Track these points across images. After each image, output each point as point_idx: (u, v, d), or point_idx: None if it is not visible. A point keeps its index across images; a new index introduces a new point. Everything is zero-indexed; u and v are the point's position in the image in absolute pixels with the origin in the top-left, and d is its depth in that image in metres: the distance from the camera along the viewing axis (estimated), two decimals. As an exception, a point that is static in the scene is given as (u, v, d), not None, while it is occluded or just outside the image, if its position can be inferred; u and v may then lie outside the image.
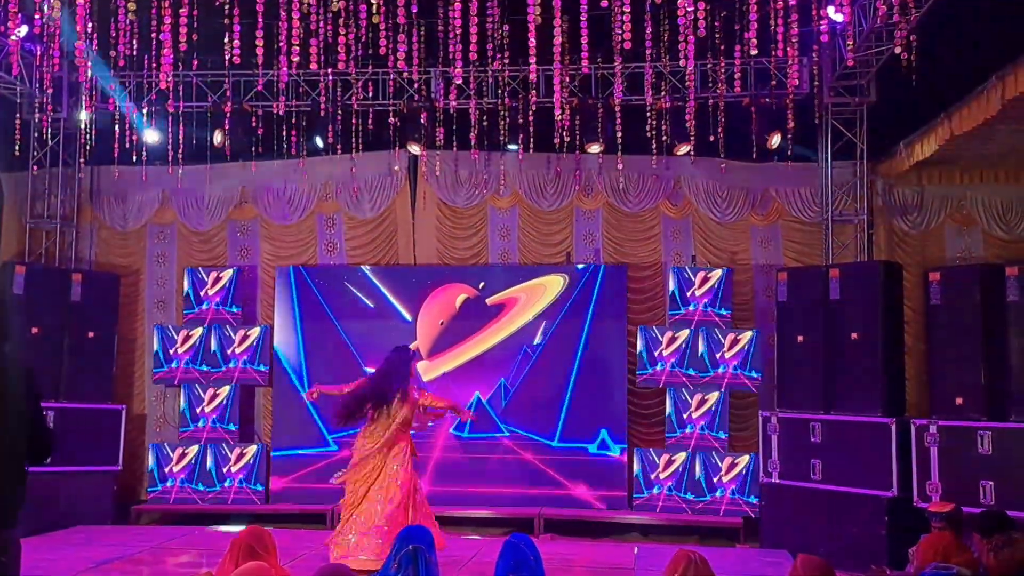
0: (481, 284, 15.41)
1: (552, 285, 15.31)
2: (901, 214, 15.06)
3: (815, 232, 15.17)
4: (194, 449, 15.14)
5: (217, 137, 14.93)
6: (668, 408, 14.72)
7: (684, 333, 14.63)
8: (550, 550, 12.07)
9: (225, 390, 15.37)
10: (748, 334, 14.53)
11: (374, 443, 11.11)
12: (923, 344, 13.42)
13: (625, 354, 15.01)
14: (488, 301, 15.38)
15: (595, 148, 14.76)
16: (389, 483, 11.05)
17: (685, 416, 14.55)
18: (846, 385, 13.00)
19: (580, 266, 15.37)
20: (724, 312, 14.63)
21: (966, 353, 12.05)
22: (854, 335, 13.00)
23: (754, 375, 14.41)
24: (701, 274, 14.77)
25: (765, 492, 13.56)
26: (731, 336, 14.53)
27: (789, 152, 14.09)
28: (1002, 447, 11.38)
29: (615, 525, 14.36)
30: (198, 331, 15.45)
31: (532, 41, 10.28)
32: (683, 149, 14.59)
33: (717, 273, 14.75)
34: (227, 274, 15.64)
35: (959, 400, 11.98)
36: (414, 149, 15.14)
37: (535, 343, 15.16)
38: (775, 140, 14.33)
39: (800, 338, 13.57)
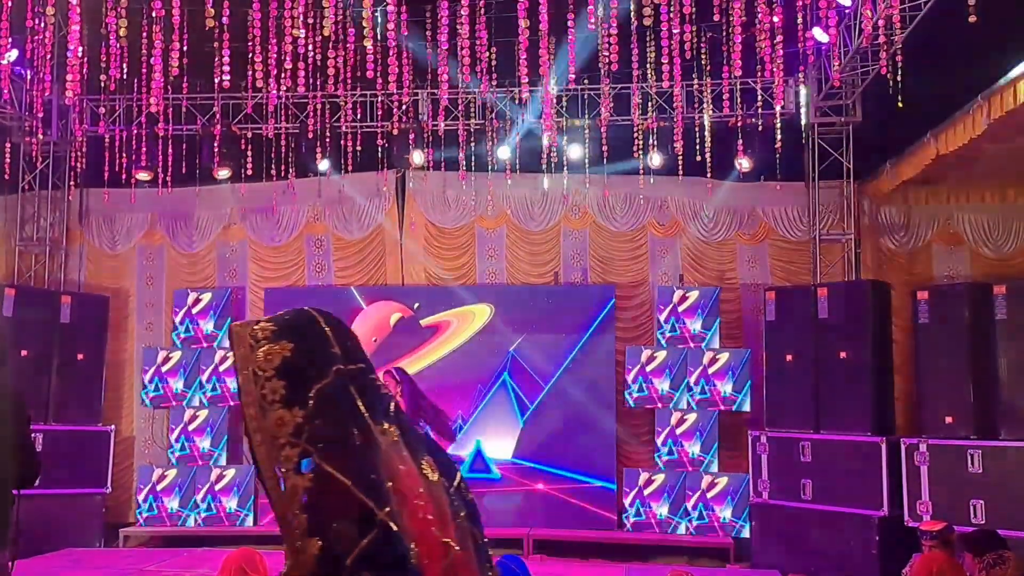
0: (416, 304, 15.41)
1: (480, 313, 15.33)
2: (888, 233, 15.11)
3: (803, 251, 15.22)
4: (182, 470, 15.08)
5: (223, 172, 14.93)
6: (657, 428, 14.71)
7: (673, 353, 14.62)
8: (540, 571, 12.05)
9: (214, 411, 15.33)
10: (737, 353, 14.53)
11: None
12: (912, 363, 13.41)
13: (614, 374, 14.99)
14: (422, 322, 15.36)
15: (576, 150, 14.68)
16: None
17: (674, 436, 14.54)
18: (835, 404, 13.02)
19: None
20: (712, 331, 14.63)
21: (955, 371, 12.09)
22: (843, 354, 13.03)
23: (743, 394, 14.40)
24: (688, 293, 14.77)
25: (755, 512, 13.56)
26: (720, 355, 14.52)
27: (776, 172, 14.12)
28: (992, 465, 11.39)
29: (605, 545, 14.33)
30: (187, 352, 15.41)
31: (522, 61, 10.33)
32: (416, 156, 14.71)
33: (704, 292, 14.76)
34: (209, 296, 15.61)
35: (949, 419, 12.01)
36: (417, 158, 14.97)
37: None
38: (743, 163, 14.37)
39: (789, 357, 13.59)
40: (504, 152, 14.68)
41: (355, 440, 2.46)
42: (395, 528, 2.39)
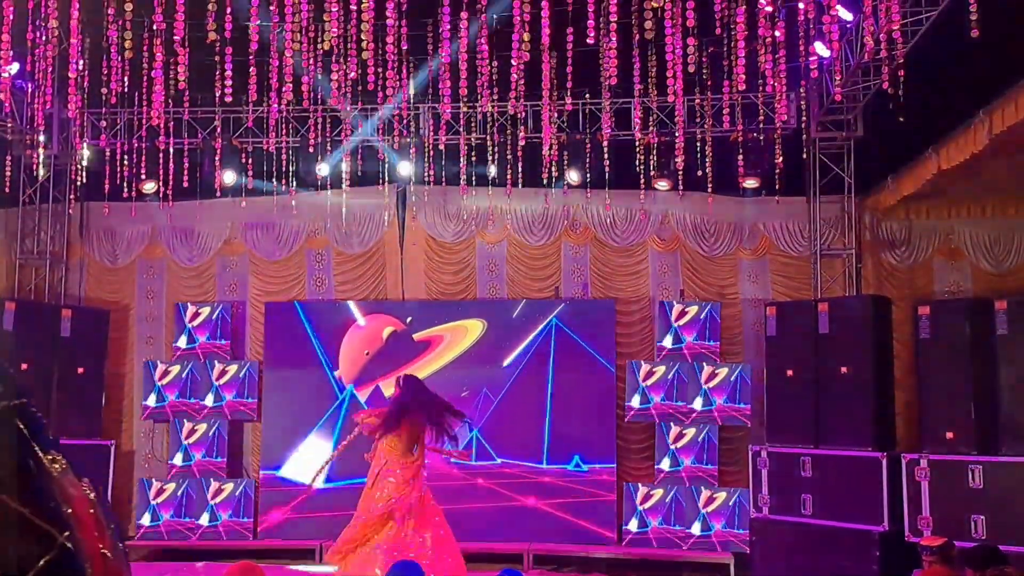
0: (408, 319, 15.42)
1: (472, 328, 15.35)
2: (889, 248, 15.10)
3: (803, 266, 15.21)
4: (183, 484, 15.07)
5: (228, 176, 14.88)
6: (657, 443, 14.70)
7: (673, 367, 14.60)
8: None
9: (214, 425, 15.31)
10: (737, 368, 14.51)
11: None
12: (912, 378, 13.41)
13: (614, 389, 14.98)
14: (415, 337, 15.37)
15: (574, 176, 14.69)
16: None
17: (674, 450, 14.52)
18: (836, 419, 13.00)
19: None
20: (713, 346, 14.62)
21: (956, 387, 12.07)
22: (843, 369, 13.02)
23: (743, 409, 14.38)
24: (688, 308, 14.77)
25: (755, 527, 13.54)
26: (720, 370, 14.50)
27: (777, 187, 14.09)
28: (993, 481, 11.38)
29: (605, 560, 14.29)
30: (187, 366, 15.41)
31: (520, 77, 10.32)
32: (662, 184, 14.61)
33: (705, 307, 14.76)
34: (216, 310, 15.63)
35: (949, 434, 11.99)
36: (405, 169, 14.94)
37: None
38: (749, 182, 14.34)
39: (789, 372, 13.59)
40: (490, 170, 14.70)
41: (29, 471, 2.53)
42: (73, 549, 2.48)
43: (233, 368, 15.43)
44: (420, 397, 11.49)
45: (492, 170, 14.65)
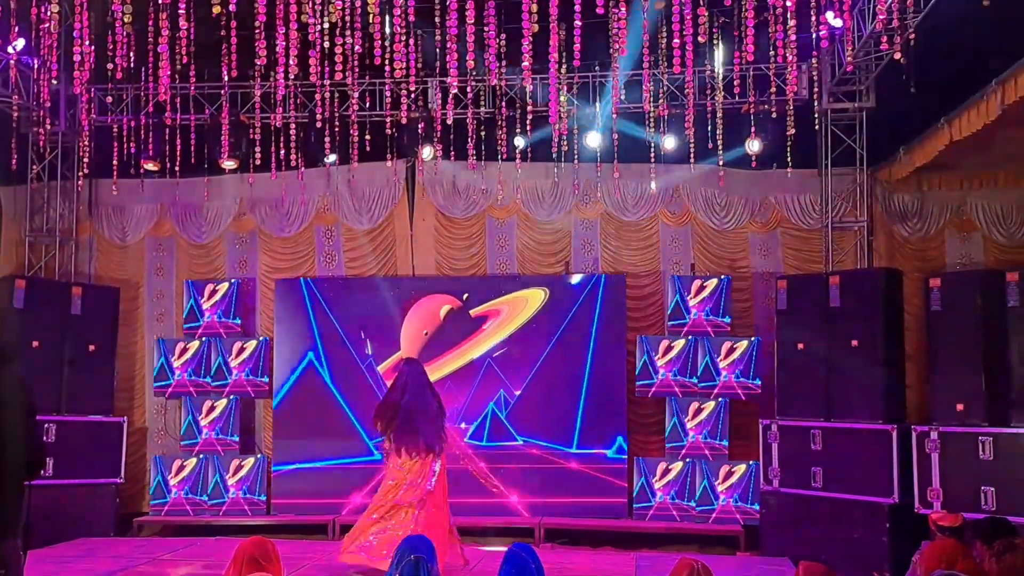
0: (465, 295, 15.38)
1: (533, 298, 15.28)
2: (901, 220, 15.03)
3: (815, 239, 15.16)
4: (195, 461, 15.10)
5: (229, 163, 14.93)
6: (668, 417, 14.68)
7: (683, 342, 14.57)
8: (551, 559, 12.04)
9: (225, 402, 15.32)
10: (747, 342, 14.48)
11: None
12: (924, 351, 13.35)
13: (624, 363, 14.96)
14: (472, 312, 15.31)
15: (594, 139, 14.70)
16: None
17: (685, 425, 14.50)
18: (846, 392, 12.98)
19: (575, 280, 15.33)
20: (723, 320, 14.57)
21: (967, 359, 12.01)
22: (854, 342, 12.98)
23: (754, 383, 14.36)
24: (700, 282, 14.71)
25: (766, 500, 13.54)
26: (730, 344, 14.46)
27: (788, 159, 14.02)
28: (1003, 453, 11.35)
29: (616, 534, 14.30)
30: (198, 343, 15.41)
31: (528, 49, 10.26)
32: (426, 151, 14.79)
33: (716, 281, 14.69)
34: (226, 286, 15.61)
35: (960, 406, 11.94)
36: (427, 153, 14.97)
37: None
38: (753, 145, 14.23)
39: (800, 345, 13.55)
40: (519, 142, 14.63)
41: None
42: None
43: (251, 345, 15.42)
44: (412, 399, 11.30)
45: (520, 142, 14.64)
